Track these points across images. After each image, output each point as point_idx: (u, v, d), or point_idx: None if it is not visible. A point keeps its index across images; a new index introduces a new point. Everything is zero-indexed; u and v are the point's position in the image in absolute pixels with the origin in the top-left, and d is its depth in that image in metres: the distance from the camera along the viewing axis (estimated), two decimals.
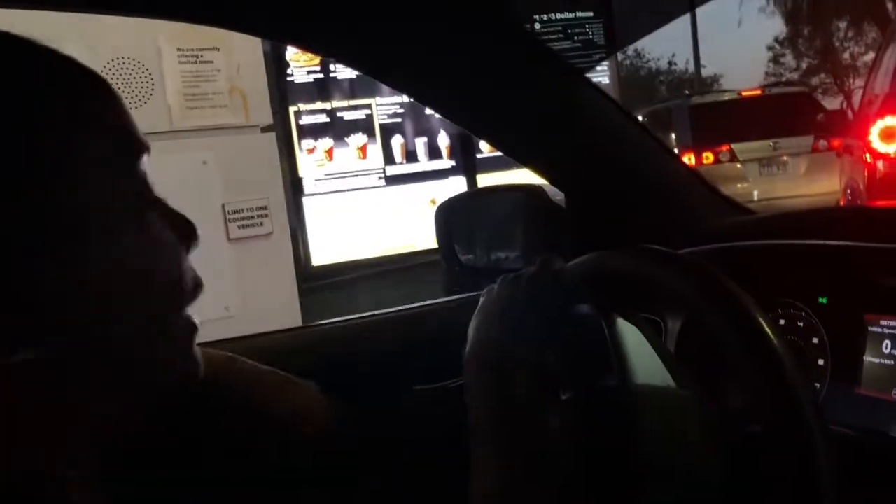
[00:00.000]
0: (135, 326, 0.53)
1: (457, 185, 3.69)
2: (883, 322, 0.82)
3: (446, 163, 3.70)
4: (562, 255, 0.77)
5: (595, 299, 0.73)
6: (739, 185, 7.37)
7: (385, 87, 3.56)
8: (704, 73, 20.49)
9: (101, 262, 0.50)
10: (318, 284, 3.47)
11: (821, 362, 0.86)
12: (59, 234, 0.49)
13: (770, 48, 22.05)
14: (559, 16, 4.09)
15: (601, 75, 4.31)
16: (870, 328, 0.83)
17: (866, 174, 4.18)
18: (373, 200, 3.59)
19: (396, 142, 3.61)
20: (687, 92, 10.33)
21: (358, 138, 3.52)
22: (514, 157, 1.16)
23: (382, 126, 3.57)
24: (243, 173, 2.49)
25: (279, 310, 2.53)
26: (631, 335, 0.71)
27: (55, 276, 0.48)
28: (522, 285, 0.73)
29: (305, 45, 1.01)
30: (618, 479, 0.68)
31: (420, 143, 3.65)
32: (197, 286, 0.59)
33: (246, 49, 2.53)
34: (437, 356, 1.14)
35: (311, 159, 3.44)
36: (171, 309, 0.57)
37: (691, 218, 1.15)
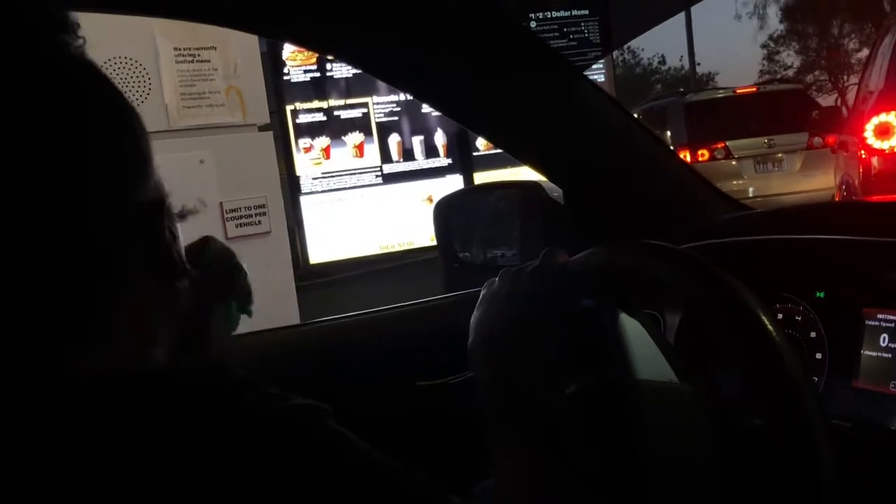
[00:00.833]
0: None
1: (453, 183, 3.69)
2: (880, 315, 0.83)
3: (443, 161, 3.71)
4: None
5: (597, 293, 0.74)
6: (735, 182, 7.38)
7: (382, 86, 3.56)
8: (699, 70, 20.52)
9: None
10: (316, 282, 3.47)
11: (818, 356, 0.87)
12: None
13: (764, 46, 22.09)
14: (555, 14, 4.09)
15: (596, 73, 4.31)
16: (867, 322, 0.84)
17: (861, 170, 4.19)
18: (370, 198, 3.59)
19: (393, 140, 3.61)
20: (682, 89, 10.33)
21: (355, 137, 3.52)
22: (513, 153, 1.17)
23: (379, 124, 3.57)
24: (241, 172, 2.49)
25: (277, 308, 2.53)
26: (633, 329, 0.72)
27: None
28: (525, 279, 0.74)
29: (306, 43, 1.01)
30: (620, 471, 0.69)
31: (417, 142, 3.65)
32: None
33: (243, 48, 2.53)
34: (439, 352, 1.15)
35: (308, 158, 3.44)
36: None
37: (689, 214, 1.15)
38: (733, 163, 7.71)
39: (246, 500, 0.45)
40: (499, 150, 3.70)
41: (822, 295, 0.88)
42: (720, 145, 7.74)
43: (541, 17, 4.07)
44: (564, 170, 1.13)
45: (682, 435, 0.68)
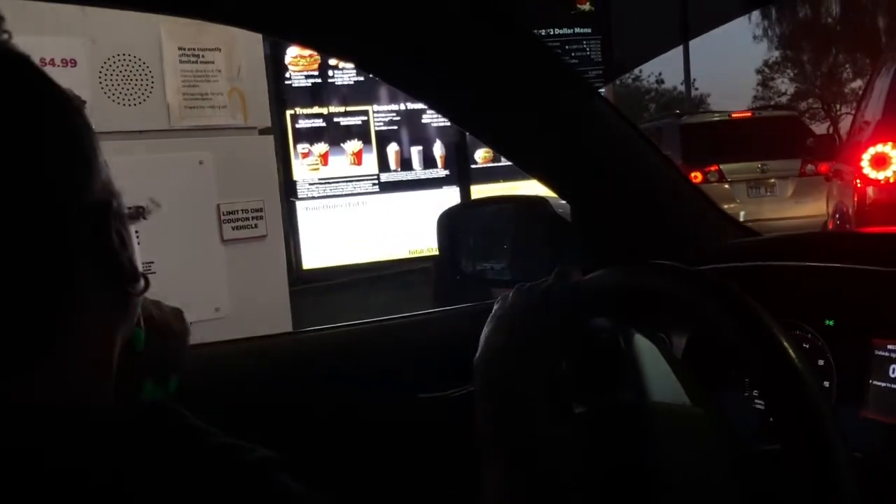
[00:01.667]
0: None
1: (450, 195, 3.69)
2: (890, 346, 0.82)
3: (441, 172, 3.70)
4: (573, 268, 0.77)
5: (611, 313, 0.73)
6: (727, 206, 7.42)
7: (382, 94, 3.55)
8: (693, 92, 20.66)
9: None
10: (307, 287, 3.46)
11: (826, 384, 0.87)
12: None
13: (759, 71, 22.28)
14: (557, 31, 4.11)
15: None
16: (876, 352, 0.83)
17: (856, 199, 4.22)
18: (366, 206, 3.58)
19: (392, 149, 3.60)
20: (677, 111, 10.39)
21: (353, 144, 3.52)
22: (522, 166, 1.16)
23: (378, 133, 3.56)
24: (239, 175, 2.48)
25: (270, 312, 2.52)
26: (646, 350, 0.71)
27: None
28: (538, 296, 0.73)
29: (315, 45, 1.01)
30: (631, 494, 0.68)
31: (415, 152, 3.64)
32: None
33: (247, 51, 2.52)
34: (441, 365, 1.14)
35: (306, 163, 3.43)
36: None
37: (695, 236, 1.15)
38: (726, 186, 7.76)
39: None
40: (496, 164, 3.73)
41: (831, 323, 0.88)
42: (713, 168, 7.79)
43: (543, 33, 4.09)
44: (573, 185, 1.13)
45: (694, 457, 0.67)
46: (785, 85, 22.00)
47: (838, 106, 20.20)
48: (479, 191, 3.74)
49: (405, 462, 1.12)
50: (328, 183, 3.50)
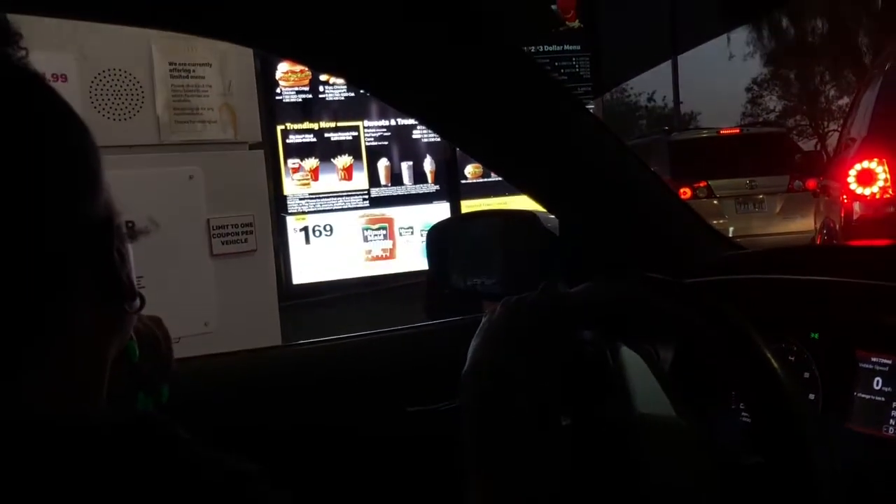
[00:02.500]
0: None
1: (440, 210, 3.70)
2: (874, 358, 0.83)
3: (431, 187, 3.71)
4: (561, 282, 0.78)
5: (598, 326, 0.73)
6: (716, 222, 7.46)
7: (373, 110, 3.57)
8: (683, 109, 20.81)
9: None
10: (297, 303, 3.45)
11: (812, 397, 0.87)
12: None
13: (748, 89, 22.47)
14: (546, 48, 4.14)
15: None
16: (861, 364, 0.84)
17: (843, 215, 4.26)
18: (356, 221, 3.59)
19: (382, 164, 3.61)
20: (666, 128, 10.47)
21: (343, 159, 3.52)
22: (510, 181, 1.17)
23: (369, 148, 3.57)
24: (230, 189, 2.48)
25: (259, 327, 2.51)
26: (632, 363, 0.72)
27: None
28: (525, 309, 0.74)
29: (304, 59, 1.01)
30: None
31: (405, 167, 3.66)
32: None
33: (238, 66, 2.53)
34: (430, 378, 1.14)
35: (296, 178, 3.44)
36: None
37: (682, 250, 1.16)
38: (715, 202, 7.81)
39: None
40: (486, 179, 3.75)
41: (816, 336, 0.89)
42: (702, 184, 7.85)
43: (532, 50, 4.12)
44: (561, 200, 1.14)
45: (681, 470, 0.68)
46: (773, 102, 22.20)
47: (826, 123, 20.38)
48: (468, 206, 3.76)
49: (393, 475, 1.11)
50: (319, 198, 3.50)
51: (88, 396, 0.54)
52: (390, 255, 3.65)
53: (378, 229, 3.63)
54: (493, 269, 1.29)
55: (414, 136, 3.66)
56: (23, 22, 0.56)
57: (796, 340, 0.90)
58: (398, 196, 3.65)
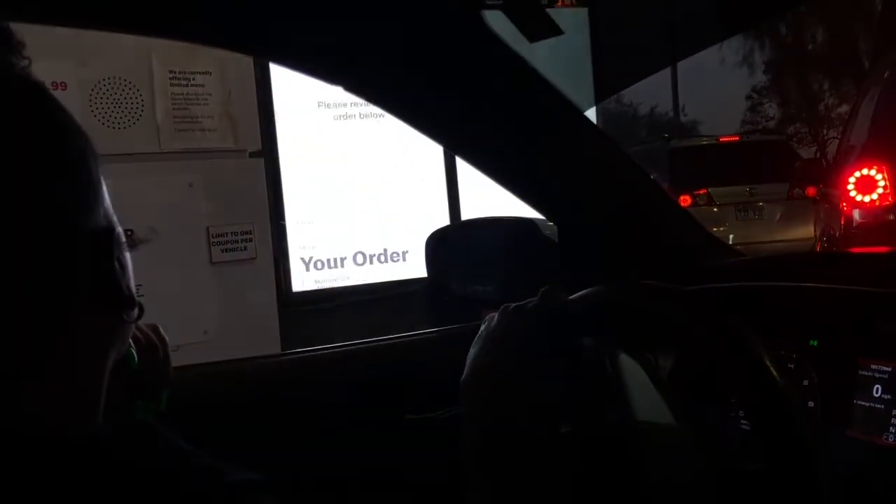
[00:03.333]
0: None
1: (442, 218, 3.72)
2: (874, 366, 0.83)
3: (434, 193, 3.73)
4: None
5: (597, 333, 0.73)
6: (716, 229, 7.46)
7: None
8: (683, 118, 20.84)
9: None
10: (297, 310, 3.45)
11: (811, 404, 0.87)
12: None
13: (748, 97, 22.50)
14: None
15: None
16: (861, 372, 0.84)
17: (843, 222, 4.26)
18: (356, 228, 3.60)
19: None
20: (666, 135, 10.49)
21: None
22: (509, 188, 1.17)
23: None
24: (229, 198, 2.48)
25: (259, 335, 2.51)
26: (631, 369, 0.72)
27: None
28: (524, 316, 0.73)
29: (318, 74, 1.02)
30: None
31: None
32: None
33: (238, 74, 2.54)
34: (430, 386, 1.14)
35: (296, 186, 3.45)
36: None
37: (682, 257, 1.16)
38: (714, 209, 7.82)
39: None
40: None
41: (815, 343, 0.89)
42: (702, 192, 7.85)
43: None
44: (560, 207, 1.14)
45: (680, 477, 0.67)
46: (773, 110, 22.23)
47: (825, 130, 20.40)
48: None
49: (392, 483, 1.11)
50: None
51: (88, 406, 0.54)
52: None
53: None
54: (491, 276, 1.29)
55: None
56: (22, 29, 0.56)
57: (796, 348, 0.90)
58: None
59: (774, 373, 0.57)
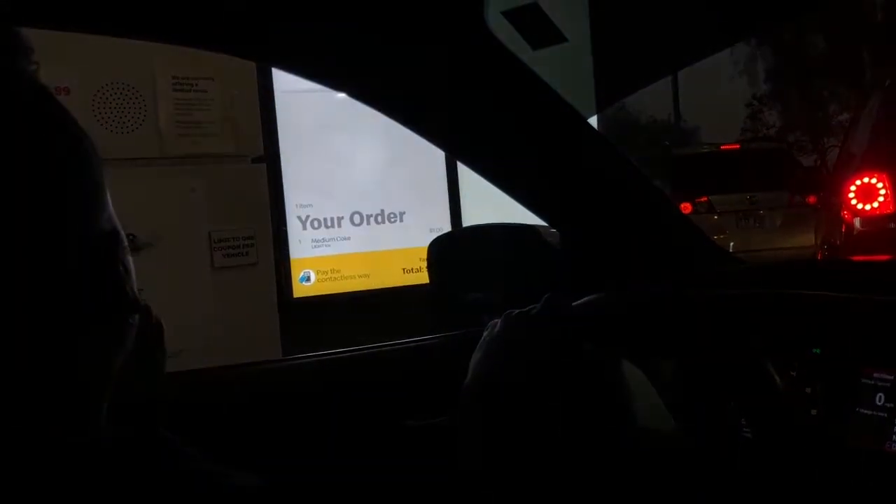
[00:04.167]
0: None
1: (443, 222, 3.72)
2: (876, 375, 0.83)
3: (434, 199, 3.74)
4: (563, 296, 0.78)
5: (600, 339, 0.73)
6: (716, 237, 7.46)
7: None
8: (683, 125, 20.85)
9: None
10: (298, 315, 3.45)
11: (813, 412, 0.87)
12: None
13: (748, 104, 22.51)
14: None
15: None
16: (863, 380, 0.84)
17: (843, 230, 4.26)
18: (357, 235, 3.60)
19: None
20: (667, 143, 10.50)
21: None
22: (513, 194, 1.17)
23: None
24: (232, 203, 2.49)
25: (260, 339, 2.51)
26: (634, 376, 0.72)
27: None
28: (527, 323, 0.74)
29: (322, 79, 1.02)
30: None
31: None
32: None
33: (240, 80, 2.54)
34: (431, 392, 1.14)
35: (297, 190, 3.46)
36: None
37: (683, 264, 1.16)
38: (715, 217, 7.82)
39: None
40: None
41: (818, 351, 0.89)
42: (703, 199, 7.86)
43: None
44: (562, 214, 1.14)
45: (680, 483, 0.67)
46: (773, 118, 22.24)
47: (825, 139, 20.41)
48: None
49: (393, 489, 1.11)
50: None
51: (91, 409, 0.54)
52: None
53: None
54: (493, 282, 1.29)
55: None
56: (26, 34, 0.56)
57: (798, 355, 0.90)
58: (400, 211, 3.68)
59: (778, 381, 0.57)
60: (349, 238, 3.60)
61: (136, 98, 2.36)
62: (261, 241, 2.56)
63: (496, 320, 0.78)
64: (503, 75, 1.01)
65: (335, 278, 3.58)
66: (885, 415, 0.81)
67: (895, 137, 4.21)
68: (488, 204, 3.50)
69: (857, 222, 4.11)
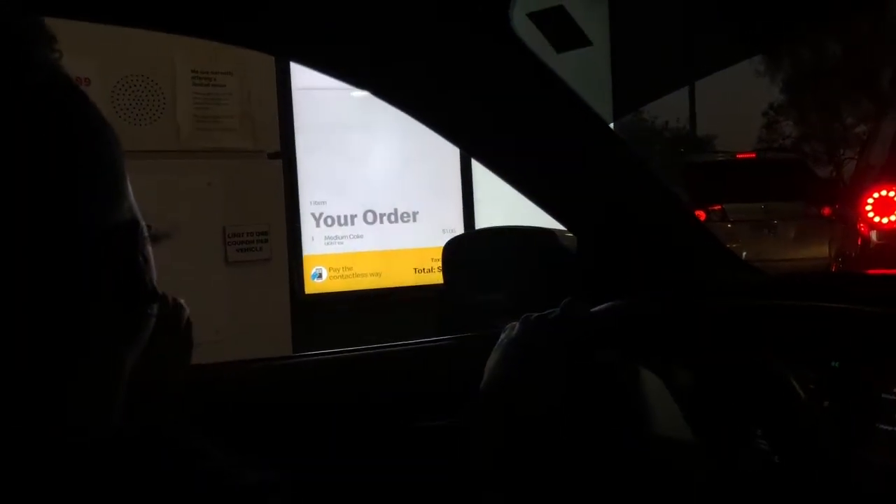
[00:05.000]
0: None
1: (456, 222, 3.72)
2: None
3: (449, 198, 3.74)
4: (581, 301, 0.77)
5: (619, 346, 0.73)
6: (729, 246, 7.41)
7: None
8: (700, 133, 20.78)
9: None
10: (309, 312, 3.45)
11: (832, 426, 0.86)
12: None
13: (764, 114, 22.41)
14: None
15: None
16: (883, 395, 0.83)
17: (859, 243, 4.23)
18: (370, 233, 3.61)
19: None
20: (682, 150, 10.46)
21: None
22: (530, 196, 1.16)
23: None
24: (247, 198, 2.49)
25: (271, 335, 2.51)
26: (652, 384, 0.71)
27: None
28: (546, 327, 0.73)
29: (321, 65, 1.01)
30: None
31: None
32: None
33: (259, 75, 2.55)
34: (443, 394, 1.13)
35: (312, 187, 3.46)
36: None
37: (700, 273, 1.15)
38: (728, 225, 7.79)
39: None
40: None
41: (837, 365, 0.88)
42: (717, 208, 7.83)
43: None
44: (581, 218, 1.13)
45: (696, 493, 0.67)
46: (789, 128, 22.13)
47: (842, 150, 20.29)
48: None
49: (402, 489, 1.10)
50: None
51: (109, 401, 0.54)
52: None
53: None
54: (508, 285, 1.29)
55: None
56: (49, 24, 0.56)
57: (816, 369, 0.89)
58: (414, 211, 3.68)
59: (801, 394, 0.56)
60: (362, 236, 3.60)
61: (156, 91, 2.37)
62: (274, 236, 2.56)
63: (513, 323, 0.77)
64: (526, 74, 1.01)
65: (347, 276, 3.58)
66: None
67: None
68: (502, 206, 3.53)
69: (873, 235, 4.08)
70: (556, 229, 1.19)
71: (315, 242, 3.49)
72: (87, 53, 2.22)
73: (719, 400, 0.83)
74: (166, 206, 2.04)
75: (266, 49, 1.13)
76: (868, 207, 4.10)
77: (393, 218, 3.66)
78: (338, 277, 3.55)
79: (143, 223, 0.55)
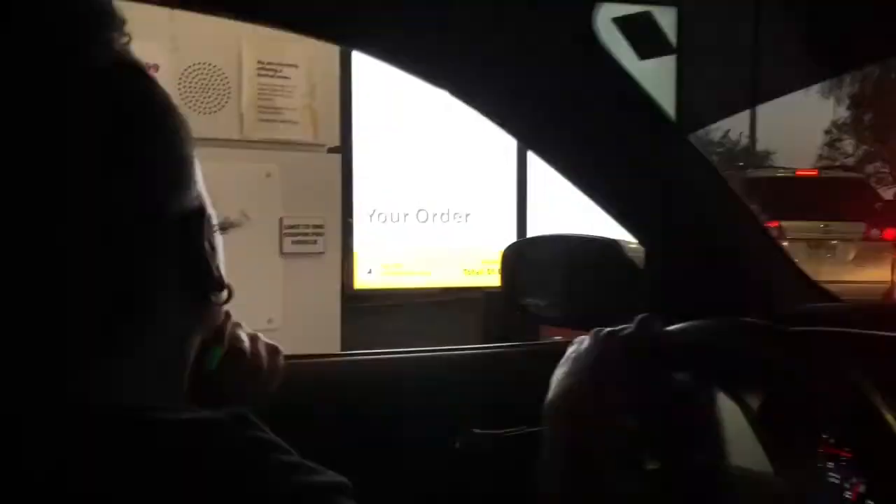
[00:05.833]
0: None
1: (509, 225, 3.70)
2: None
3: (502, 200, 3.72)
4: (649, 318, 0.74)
5: (694, 369, 0.70)
6: None
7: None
8: (758, 147, 20.37)
9: None
10: (358, 307, 3.47)
11: None
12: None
13: (827, 132, 21.88)
14: None
15: None
16: None
17: None
18: (421, 232, 3.61)
19: None
20: (741, 164, 10.27)
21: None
22: (599, 203, 1.13)
23: None
24: (305, 190, 2.51)
25: (321, 328, 2.53)
26: (728, 411, 0.68)
27: None
28: (617, 343, 0.71)
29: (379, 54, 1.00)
30: None
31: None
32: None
33: (323, 69, 2.56)
34: (496, 402, 1.11)
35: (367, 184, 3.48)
36: None
37: (774, 295, 1.11)
38: (785, 244, 7.62)
39: None
40: None
41: None
42: (773, 224, 7.66)
43: None
44: (652, 230, 1.10)
45: None
46: (852, 146, 21.56)
47: None
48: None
49: (453, 497, 1.09)
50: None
51: (166, 385, 0.53)
52: None
53: None
54: (565, 294, 1.26)
55: None
56: (122, 10, 0.56)
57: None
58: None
59: (891, 420, 0.53)
60: (414, 234, 3.60)
61: (222, 80, 2.40)
62: (329, 230, 2.57)
63: (582, 336, 0.75)
64: (608, 80, 0.98)
65: (397, 273, 3.59)
66: None
67: None
68: (556, 212, 3.49)
69: None
70: (621, 240, 1.16)
71: (367, 238, 3.50)
72: (157, 40, 2.26)
73: (797, 433, 0.79)
74: (226, 195, 2.06)
75: (343, 42, 1.12)
76: None
77: (445, 217, 3.65)
78: (388, 274, 3.56)
79: (210, 211, 0.55)
